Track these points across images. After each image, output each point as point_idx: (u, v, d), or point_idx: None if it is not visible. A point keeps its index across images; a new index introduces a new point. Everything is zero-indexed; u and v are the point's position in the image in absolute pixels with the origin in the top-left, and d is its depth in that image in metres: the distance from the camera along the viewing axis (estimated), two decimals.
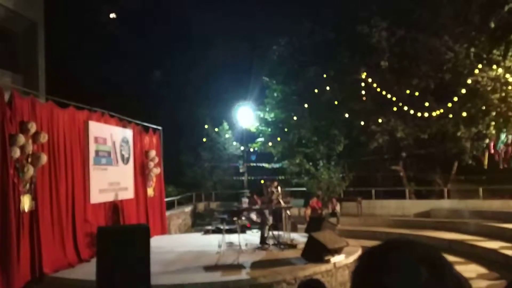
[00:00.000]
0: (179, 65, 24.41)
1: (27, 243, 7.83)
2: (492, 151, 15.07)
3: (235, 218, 11.42)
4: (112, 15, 22.53)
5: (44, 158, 8.19)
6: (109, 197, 11.07)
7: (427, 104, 15.76)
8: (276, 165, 20.87)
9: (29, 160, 7.94)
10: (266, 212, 11.07)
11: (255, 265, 8.80)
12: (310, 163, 18.81)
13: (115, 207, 11.30)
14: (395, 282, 0.89)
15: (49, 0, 13.97)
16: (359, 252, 9.45)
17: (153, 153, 13.73)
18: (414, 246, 0.94)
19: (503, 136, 14.64)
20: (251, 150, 21.63)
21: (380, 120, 16.79)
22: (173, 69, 24.61)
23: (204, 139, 21.64)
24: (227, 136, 21.67)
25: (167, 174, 15.40)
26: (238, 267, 8.70)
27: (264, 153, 21.14)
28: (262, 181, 11.90)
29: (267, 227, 10.91)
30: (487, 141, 15.16)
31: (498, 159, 14.96)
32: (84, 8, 21.00)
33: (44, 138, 8.32)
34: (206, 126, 21.76)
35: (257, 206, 11.37)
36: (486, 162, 15.51)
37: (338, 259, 8.85)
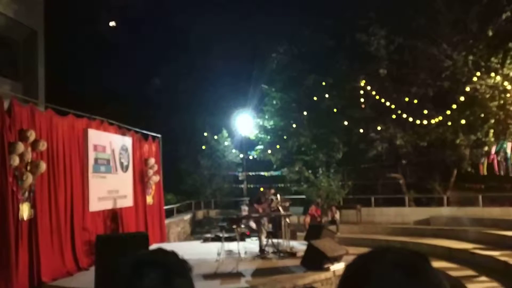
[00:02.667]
0: (179, 73, 24.49)
1: (26, 251, 7.80)
2: (492, 159, 15.03)
3: (234, 226, 11.39)
4: (112, 23, 22.61)
5: (43, 166, 8.19)
6: (108, 205, 11.05)
7: (426, 111, 15.79)
8: (275, 173, 20.86)
9: (28, 168, 7.93)
10: (264, 220, 11.03)
11: (254, 273, 8.77)
12: (310, 171, 18.80)
13: (114, 215, 11.27)
14: None
15: (49, 8, 14.03)
16: None
17: (152, 160, 13.73)
18: (392, 252, 0.94)
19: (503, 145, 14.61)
20: (251, 157, 21.60)
21: (379, 128, 16.82)
22: (172, 77, 24.67)
23: (204, 147, 21.63)
24: (226, 143, 21.67)
25: (166, 182, 15.37)
26: (237, 275, 8.67)
27: (263, 160, 21.13)
28: (262, 189, 11.89)
29: (263, 236, 10.86)
30: (486, 148, 15.17)
31: (498, 169, 14.90)
32: (84, 17, 21.09)
33: (43, 146, 8.33)
34: (205, 134, 21.76)
35: (256, 214, 11.34)
36: (485, 169, 15.49)
37: (337, 267, 8.81)
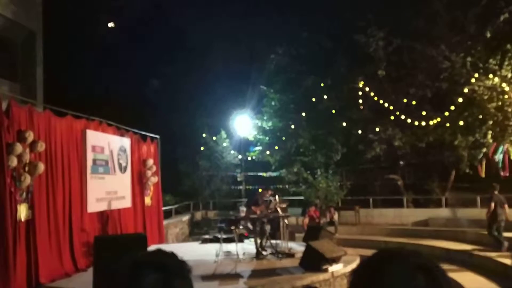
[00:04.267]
0: (177, 74, 24.46)
1: (24, 252, 7.78)
2: (491, 156, 15.02)
3: (232, 227, 11.38)
4: (111, 25, 22.58)
5: (41, 167, 8.18)
6: (106, 206, 11.03)
7: (424, 113, 15.81)
8: (274, 174, 20.86)
9: (26, 169, 7.92)
10: (261, 222, 11.00)
11: (253, 274, 8.77)
12: (308, 172, 18.81)
13: (112, 216, 11.26)
14: None
15: (48, 9, 14.02)
16: (357, 261, 9.42)
17: (150, 161, 13.72)
18: (407, 254, 0.95)
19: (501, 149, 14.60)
20: (249, 158, 21.59)
21: (377, 129, 16.82)
22: (171, 78, 24.66)
23: (202, 148, 21.61)
24: (225, 144, 21.67)
25: (165, 183, 15.36)
26: (236, 276, 8.67)
27: (262, 161, 21.13)
28: (260, 190, 11.87)
29: (259, 238, 10.82)
30: (484, 150, 15.19)
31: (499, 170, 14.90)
32: (82, 18, 21.07)
33: (41, 147, 8.32)
34: (204, 135, 21.75)
35: (254, 215, 11.32)
36: (483, 171, 15.50)
37: (336, 268, 8.81)
